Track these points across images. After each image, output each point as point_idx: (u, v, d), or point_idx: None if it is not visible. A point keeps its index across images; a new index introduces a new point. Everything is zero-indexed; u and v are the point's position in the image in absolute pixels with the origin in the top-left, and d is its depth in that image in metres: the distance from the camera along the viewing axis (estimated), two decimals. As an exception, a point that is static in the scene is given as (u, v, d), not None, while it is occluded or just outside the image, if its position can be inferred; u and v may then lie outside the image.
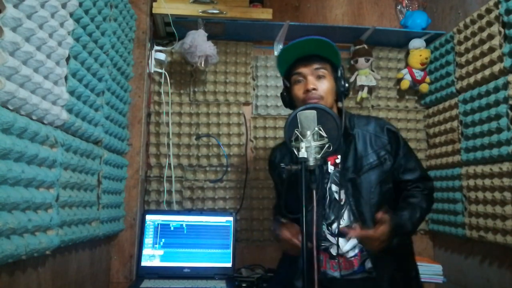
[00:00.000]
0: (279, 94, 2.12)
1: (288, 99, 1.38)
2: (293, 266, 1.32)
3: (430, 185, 1.36)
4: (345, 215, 1.28)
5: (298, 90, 1.31)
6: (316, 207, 0.97)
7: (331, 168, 1.32)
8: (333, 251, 1.28)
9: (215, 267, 1.78)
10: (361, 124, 1.35)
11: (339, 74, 1.33)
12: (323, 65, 1.30)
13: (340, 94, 1.33)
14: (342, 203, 1.28)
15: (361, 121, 1.37)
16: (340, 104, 1.39)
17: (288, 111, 2.09)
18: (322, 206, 1.27)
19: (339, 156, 1.32)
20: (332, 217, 1.29)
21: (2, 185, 0.83)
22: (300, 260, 1.29)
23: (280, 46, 2.17)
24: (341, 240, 1.27)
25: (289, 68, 1.35)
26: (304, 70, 1.30)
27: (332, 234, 1.29)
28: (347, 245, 1.27)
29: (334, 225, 1.28)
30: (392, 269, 1.24)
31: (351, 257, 1.27)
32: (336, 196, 1.29)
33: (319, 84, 1.29)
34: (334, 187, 1.31)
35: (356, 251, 1.27)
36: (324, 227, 1.29)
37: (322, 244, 1.28)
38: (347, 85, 1.33)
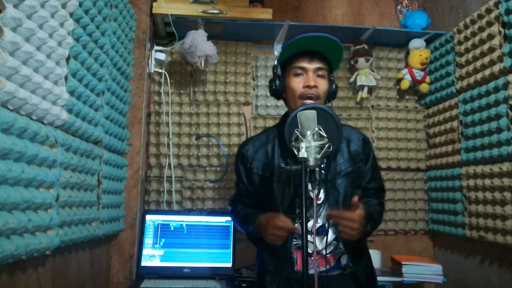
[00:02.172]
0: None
1: (279, 88, 1.35)
2: (264, 268, 1.31)
3: (384, 196, 1.46)
4: (322, 214, 1.29)
5: (297, 83, 1.30)
6: (315, 207, 0.96)
7: None
8: (309, 249, 1.28)
9: (215, 267, 1.78)
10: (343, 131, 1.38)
11: (331, 77, 1.35)
12: (324, 65, 1.30)
13: (330, 97, 1.35)
14: (320, 202, 1.28)
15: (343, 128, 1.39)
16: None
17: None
18: (298, 205, 1.27)
19: None
20: (308, 215, 1.29)
21: (2, 185, 0.83)
22: (272, 261, 1.29)
23: (280, 46, 2.17)
24: (317, 238, 1.26)
25: (288, 58, 1.33)
26: (307, 65, 1.29)
27: (308, 232, 1.29)
28: (323, 242, 1.27)
29: (310, 223, 1.28)
30: (365, 264, 1.32)
31: (328, 254, 1.27)
32: (312, 195, 1.29)
33: (319, 82, 1.29)
34: (310, 186, 1.30)
35: (332, 248, 1.28)
36: (298, 225, 1.27)
37: (296, 243, 1.27)
38: (336, 89, 1.36)
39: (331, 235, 1.28)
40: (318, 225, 1.28)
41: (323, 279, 1.25)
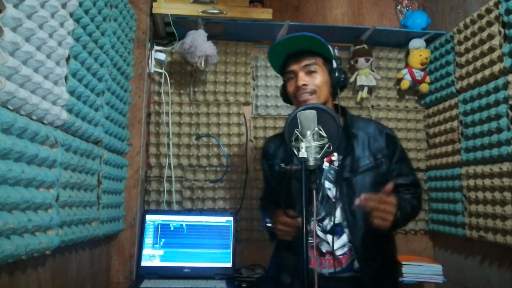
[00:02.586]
0: (279, 94, 2.14)
1: (285, 95, 1.42)
2: (282, 263, 1.33)
3: (420, 191, 1.40)
4: (338, 212, 1.28)
5: (290, 87, 1.36)
6: (315, 206, 0.97)
7: (325, 165, 1.33)
8: (324, 248, 1.28)
9: (215, 267, 1.78)
10: (361, 125, 1.37)
11: (334, 65, 1.34)
12: (313, 59, 1.31)
13: (335, 86, 1.34)
14: (334, 200, 1.28)
15: (361, 122, 1.39)
16: (337, 100, 1.42)
17: (288, 111, 2.11)
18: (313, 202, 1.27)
19: (335, 154, 1.33)
20: (323, 214, 1.29)
21: (2, 185, 0.83)
22: (289, 257, 1.30)
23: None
24: (331, 237, 1.27)
25: (282, 65, 1.39)
26: (294, 67, 1.33)
27: (323, 231, 1.29)
28: (337, 243, 1.27)
29: (326, 222, 1.28)
30: (375, 269, 1.26)
31: (340, 255, 1.27)
32: (329, 193, 1.30)
33: (310, 79, 1.31)
34: (328, 184, 1.31)
35: (346, 249, 1.27)
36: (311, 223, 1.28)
37: (312, 241, 1.27)
38: (343, 75, 1.34)
39: (346, 236, 1.27)
40: (332, 223, 1.28)
41: (329, 280, 1.25)
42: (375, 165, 1.30)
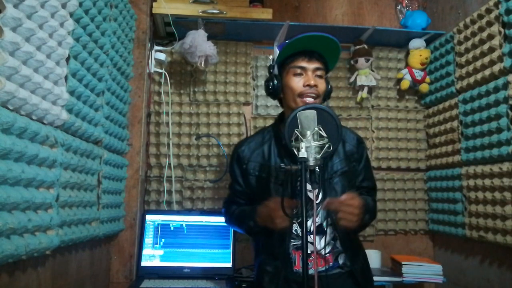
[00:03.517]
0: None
1: (277, 88, 1.33)
2: (262, 268, 1.30)
3: (376, 195, 1.47)
4: (320, 213, 1.29)
5: (297, 83, 1.29)
6: (315, 206, 0.97)
7: None
8: (308, 249, 1.28)
9: (215, 267, 1.78)
10: None
11: (327, 77, 1.37)
12: (323, 65, 1.31)
13: (326, 96, 1.36)
14: (318, 201, 1.28)
15: None
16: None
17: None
18: (296, 205, 1.26)
19: None
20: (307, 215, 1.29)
21: (2, 185, 0.83)
22: (266, 261, 1.29)
23: (278, 46, 2.16)
24: (317, 237, 1.26)
25: (286, 58, 1.33)
26: (306, 65, 1.29)
27: (307, 232, 1.29)
28: (322, 242, 1.27)
29: (309, 223, 1.28)
30: (362, 263, 1.32)
31: (326, 253, 1.28)
32: (310, 195, 1.29)
33: (318, 82, 1.30)
34: (308, 186, 1.30)
35: (330, 247, 1.29)
36: (296, 225, 1.27)
37: (294, 243, 1.27)
38: (330, 87, 1.37)
39: (329, 235, 1.28)
40: (317, 223, 1.28)
41: (323, 279, 1.25)
42: (350, 168, 1.34)
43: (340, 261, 1.30)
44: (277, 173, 1.29)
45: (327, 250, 1.28)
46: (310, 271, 1.26)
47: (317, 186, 1.00)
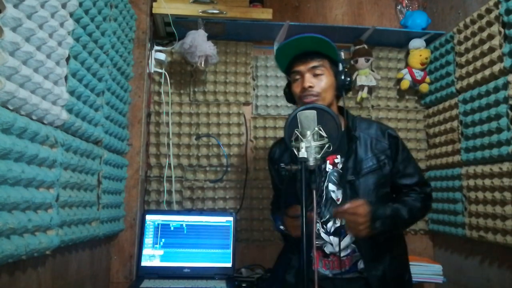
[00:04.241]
0: (279, 94, 2.15)
1: (290, 95, 1.41)
2: (289, 263, 1.33)
3: (428, 190, 1.36)
4: None
5: (296, 88, 1.34)
6: (315, 206, 0.97)
7: (329, 167, 1.33)
8: (327, 249, 1.29)
9: (215, 267, 1.78)
10: (363, 127, 1.36)
11: (340, 68, 1.33)
12: (320, 62, 1.31)
13: (340, 89, 1.33)
14: (339, 203, 1.28)
15: (363, 124, 1.38)
16: (341, 102, 1.41)
17: (288, 111, 2.11)
18: (317, 204, 1.27)
19: (338, 156, 1.33)
20: (327, 216, 1.30)
21: (2, 185, 0.83)
22: (294, 257, 1.31)
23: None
24: (335, 239, 1.27)
25: (288, 65, 1.37)
26: (301, 68, 1.32)
27: (327, 233, 1.30)
28: (341, 244, 1.27)
29: (329, 224, 1.28)
30: (384, 271, 1.24)
31: (344, 256, 1.27)
32: (333, 195, 1.30)
33: (316, 81, 1.30)
34: (332, 187, 1.31)
35: (349, 250, 1.28)
36: (319, 225, 1.29)
37: (317, 243, 1.28)
38: (348, 79, 1.32)
39: (350, 238, 1.27)
40: (337, 225, 1.28)
41: (336, 281, 1.25)
42: (378, 166, 1.29)
43: (359, 266, 1.27)
44: (296, 171, 1.30)
45: (345, 253, 1.27)
46: (326, 272, 1.28)
47: (316, 186, 1.00)
